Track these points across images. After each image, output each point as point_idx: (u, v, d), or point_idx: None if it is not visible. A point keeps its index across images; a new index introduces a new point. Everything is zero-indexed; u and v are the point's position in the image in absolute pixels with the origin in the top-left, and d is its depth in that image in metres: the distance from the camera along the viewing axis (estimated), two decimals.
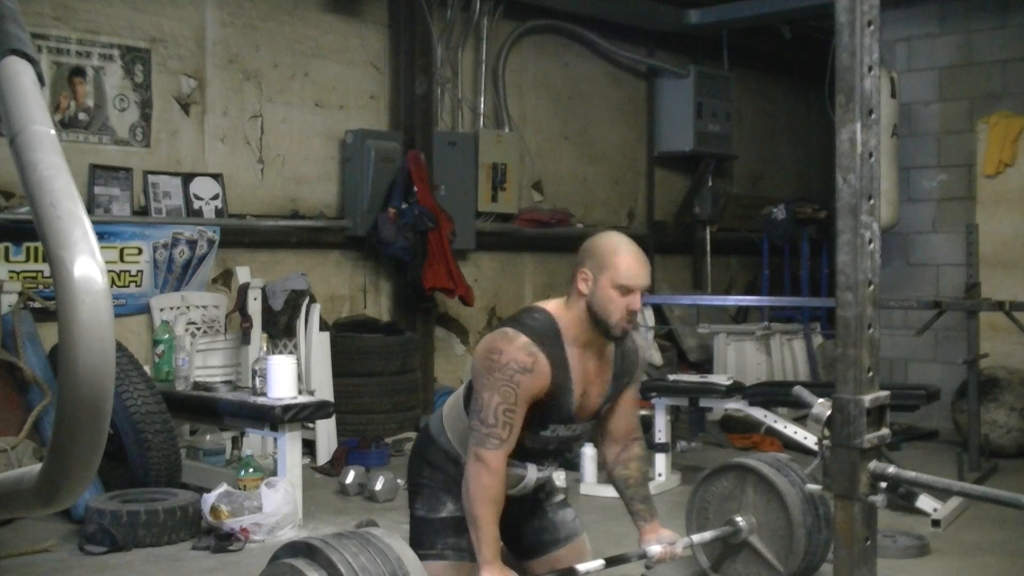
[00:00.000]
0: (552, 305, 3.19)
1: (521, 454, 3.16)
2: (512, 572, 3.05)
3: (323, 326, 6.40)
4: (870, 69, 2.01)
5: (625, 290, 3.08)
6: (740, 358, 8.00)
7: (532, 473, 3.25)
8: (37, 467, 1.36)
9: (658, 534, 3.36)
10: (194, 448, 5.69)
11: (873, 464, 2.04)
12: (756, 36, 9.35)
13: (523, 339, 3.03)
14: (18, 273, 5.55)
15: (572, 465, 5.53)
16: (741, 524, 3.67)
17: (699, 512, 3.82)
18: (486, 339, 3.16)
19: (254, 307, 6.16)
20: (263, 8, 6.79)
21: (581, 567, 3.21)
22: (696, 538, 3.60)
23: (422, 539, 3.23)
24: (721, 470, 3.83)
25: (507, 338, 3.04)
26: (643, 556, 3.34)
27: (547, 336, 3.08)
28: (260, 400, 4.85)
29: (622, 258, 3.10)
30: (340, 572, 2.58)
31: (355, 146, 7.04)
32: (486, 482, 3.00)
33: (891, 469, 2.06)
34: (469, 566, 3.17)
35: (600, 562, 3.24)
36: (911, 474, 2.16)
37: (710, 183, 9.39)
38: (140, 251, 6.02)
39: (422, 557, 3.11)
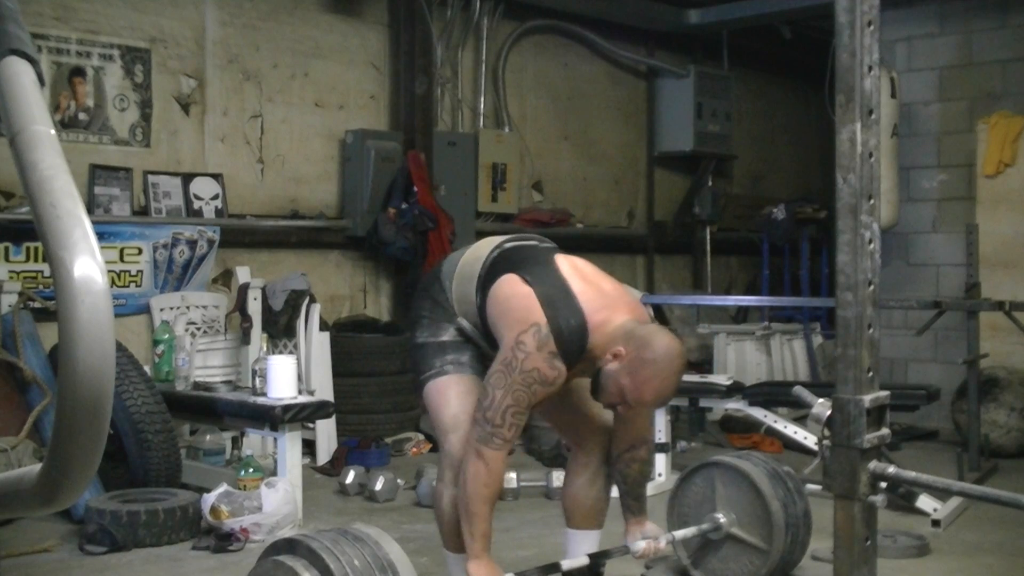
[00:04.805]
0: (594, 315, 3.02)
1: None
2: (498, 568, 3.06)
3: (323, 326, 6.40)
4: (870, 69, 2.01)
5: (628, 403, 3.05)
6: (740, 358, 8.00)
7: None
8: (37, 467, 1.36)
9: (643, 528, 3.40)
10: (194, 448, 5.69)
11: (873, 464, 2.04)
12: (756, 36, 9.34)
13: (552, 346, 2.93)
14: (18, 273, 5.54)
15: None
16: (721, 519, 3.72)
17: (681, 523, 3.85)
18: (519, 297, 3.01)
19: (254, 307, 6.16)
20: (263, 8, 6.79)
21: (565, 563, 3.24)
22: (679, 534, 3.66)
23: (424, 362, 3.26)
24: (688, 476, 3.89)
25: (539, 337, 2.92)
26: (626, 552, 3.37)
27: (571, 348, 2.97)
28: (260, 400, 4.85)
29: (652, 386, 2.95)
30: (322, 559, 2.61)
31: (355, 146, 7.03)
32: (485, 481, 2.98)
33: (891, 469, 2.06)
34: (469, 378, 3.20)
35: (584, 559, 3.27)
36: (911, 474, 2.16)
37: (710, 183, 9.39)
38: (140, 251, 6.02)
39: (425, 379, 3.23)
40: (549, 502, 5.10)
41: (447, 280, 3.29)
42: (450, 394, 3.18)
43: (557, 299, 3.00)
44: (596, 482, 3.41)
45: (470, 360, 3.23)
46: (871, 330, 2.03)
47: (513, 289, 3.06)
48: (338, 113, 7.18)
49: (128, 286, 5.99)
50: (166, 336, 5.61)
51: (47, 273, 5.21)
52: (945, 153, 7.75)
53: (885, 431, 2.08)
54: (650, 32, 8.99)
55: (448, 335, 3.25)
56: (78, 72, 5.98)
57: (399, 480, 5.41)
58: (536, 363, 2.93)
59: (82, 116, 6.01)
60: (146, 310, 6.03)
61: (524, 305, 3.00)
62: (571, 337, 2.97)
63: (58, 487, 1.33)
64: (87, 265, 1.24)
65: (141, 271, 6.02)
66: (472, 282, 3.21)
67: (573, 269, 3.15)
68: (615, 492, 3.45)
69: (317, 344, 6.27)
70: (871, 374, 2.04)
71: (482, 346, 3.25)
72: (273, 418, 4.72)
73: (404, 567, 2.66)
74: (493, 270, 3.18)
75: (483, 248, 3.31)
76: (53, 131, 1.38)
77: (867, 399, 2.03)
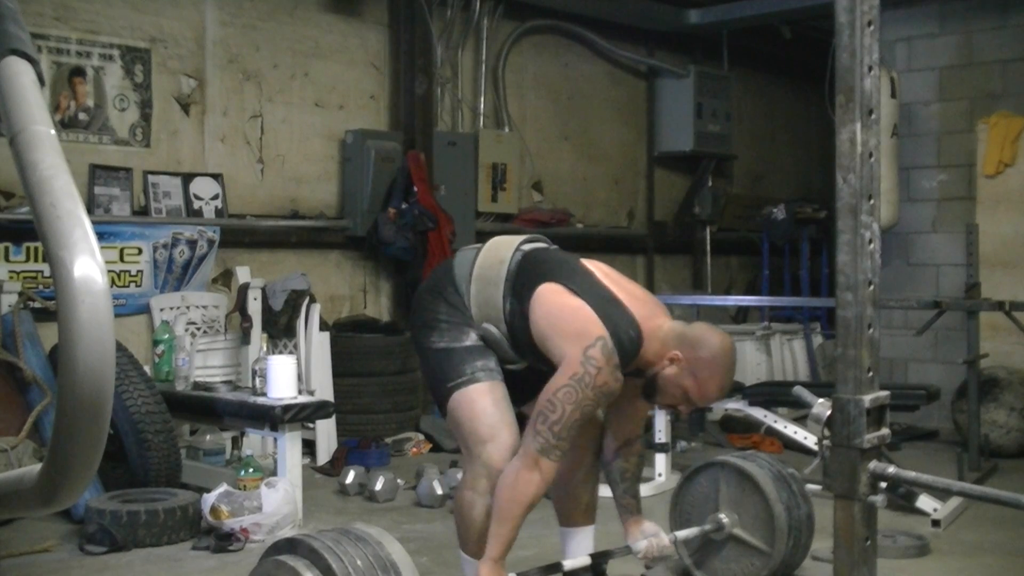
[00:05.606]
0: (645, 323, 3.05)
1: None
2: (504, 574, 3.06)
3: (323, 326, 6.40)
4: (870, 69, 2.01)
5: (693, 401, 3.09)
6: (740, 358, 7.97)
7: None
8: (37, 467, 1.37)
9: (641, 527, 3.40)
10: (194, 448, 5.69)
11: (873, 464, 2.04)
12: (756, 36, 9.34)
13: (616, 359, 2.94)
14: (18, 273, 5.54)
15: None
16: (724, 520, 3.72)
17: (683, 522, 3.85)
18: (573, 309, 2.98)
19: (254, 307, 6.16)
20: (263, 8, 6.79)
21: (567, 563, 3.24)
22: (681, 534, 3.66)
23: (450, 369, 3.14)
24: (692, 475, 3.89)
25: (606, 351, 2.92)
26: (628, 552, 3.37)
27: (625, 358, 3.00)
28: (260, 400, 4.85)
29: (715, 382, 3.04)
30: (324, 559, 2.61)
31: (355, 146, 7.04)
32: (534, 491, 2.97)
33: (891, 469, 2.06)
34: (501, 385, 3.14)
35: (586, 558, 3.28)
36: (911, 474, 2.16)
37: (710, 183, 9.39)
38: (140, 251, 6.02)
39: (453, 387, 3.12)
40: (548, 502, 5.08)
41: (462, 283, 3.20)
42: (486, 403, 3.10)
43: (611, 310, 3.00)
44: (591, 477, 3.43)
45: (496, 366, 3.16)
46: (871, 330, 2.03)
47: (563, 300, 3.03)
48: (338, 113, 7.18)
49: (128, 286, 5.99)
50: (166, 336, 5.62)
51: (47, 273, 5.21)
52: (945, 153, 7.75)
53: (885, 431, 2.08)
54: (650, 32, 8.99)
55: (471, 340, 3.16)
56: (78, 72, 5.98)
57: (399, 480, 5.41)
58: (606, 378, 2.93)
59: (82, 116, 6.01)
60: (146, 310, 6.03)
61: (582, 317, 2.98)
62: (630, 348, 2.99)
63: (58, 487, 1.33)
64: (87, 265, 1.24)
65: (141, 271, 6.03)
66: (497, 287, 3.14)
67: (605, 276, 3.14)
68: (606, 493, 3.46)
69: (317, 344, 6.27)
70: (871, 374, 2.04)
71: (502, 352, 3.19)
72: (273, 418, 4.72)
73: (406, 567, 2.66)
74: (522, 276, 3.13)
75: (501, 250, 3.24)
76: (53, 131, 1.38)
77: (867, 399, 2.02)
